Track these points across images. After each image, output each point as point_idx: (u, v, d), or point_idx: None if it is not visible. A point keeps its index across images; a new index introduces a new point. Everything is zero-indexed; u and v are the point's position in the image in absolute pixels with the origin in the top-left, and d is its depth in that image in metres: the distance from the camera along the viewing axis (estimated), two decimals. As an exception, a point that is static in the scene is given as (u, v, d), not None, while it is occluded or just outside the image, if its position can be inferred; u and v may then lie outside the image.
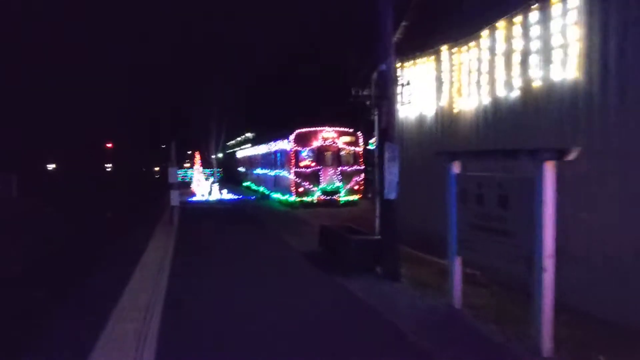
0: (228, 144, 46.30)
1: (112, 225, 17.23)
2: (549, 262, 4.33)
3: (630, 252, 5.12)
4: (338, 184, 19.01)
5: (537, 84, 6.44)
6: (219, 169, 35.61)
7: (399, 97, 9.98)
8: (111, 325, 5.45)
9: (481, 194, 5.30)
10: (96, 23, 43.75)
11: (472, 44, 7.96)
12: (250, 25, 28.76)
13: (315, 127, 19.44)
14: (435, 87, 9.19)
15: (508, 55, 7.03)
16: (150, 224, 14.33)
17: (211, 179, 29.92)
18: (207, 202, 23.49)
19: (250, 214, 17.48)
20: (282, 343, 4.96)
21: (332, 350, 4.77)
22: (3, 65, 33.96)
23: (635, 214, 5.09)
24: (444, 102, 8.93)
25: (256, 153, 28.36)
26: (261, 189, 25.98)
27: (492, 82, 7.44)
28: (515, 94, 6.91)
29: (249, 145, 35.71)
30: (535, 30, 6.43)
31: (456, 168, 5.86)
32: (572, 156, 4.24)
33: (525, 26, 6.63)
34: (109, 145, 65.48)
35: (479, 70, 7.80)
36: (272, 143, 22.99)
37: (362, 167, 19.65)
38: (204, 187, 26.48)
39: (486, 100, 7.63)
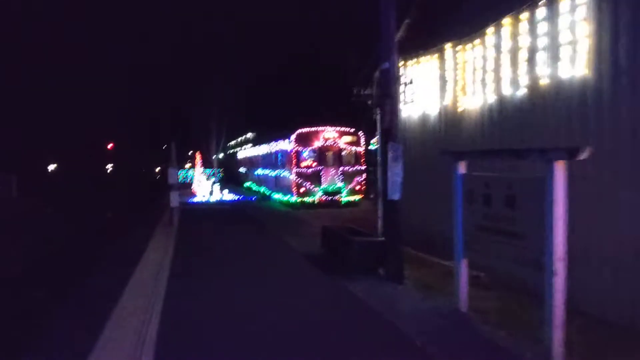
0: (229, 144, 46.25)
1: (112, 225, 17.14)
2: (559, 266, 4.18)
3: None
4: (339, 184, 18.86)
5: (544, 81, 6.32)
6: (219, 170, 35.52)
7: (401, 96, 9.87)
8: (111, 325, 5.42)
9: (489, 195, 5.17)
10: (96, 23, 43.83)
11: (477, 41, 7.84)
12: (250, 25, 28.73)
13: (316, 127, 19.30)
14: (438, 85, 9.07)
15: (514, 52, 6.91)
16: (150, 224, 14.25)
17: (212, 179, 29.82)
18: (207, 203, 23.38)
19: (251, 215, 17.38)
20: (282, 343, 4.89)
21: (333, 352, 4.68)
22: (3, 65, 33.97)
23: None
24: (447, 101, 8.81)
25: (257, 153, 28.25)
26: (262, 189, 25.87)
27: (497, 80, 7.33)
28: (522, 92, 6.79)
29: (250, 145, 35.67)
30: (542, 27, 6.31)
31: (462, 168, 5.74)
32: (584, 155, 4.11)
33: (532, 23, 6.51)
34: (110, 146, 65.41)
35: (484, 68, 7.69)
36: (272, 143, 22.85)
37: (364, 167, 19.52)
38: (205, 187, 26.39)
39: (491, 99, 7.51)
